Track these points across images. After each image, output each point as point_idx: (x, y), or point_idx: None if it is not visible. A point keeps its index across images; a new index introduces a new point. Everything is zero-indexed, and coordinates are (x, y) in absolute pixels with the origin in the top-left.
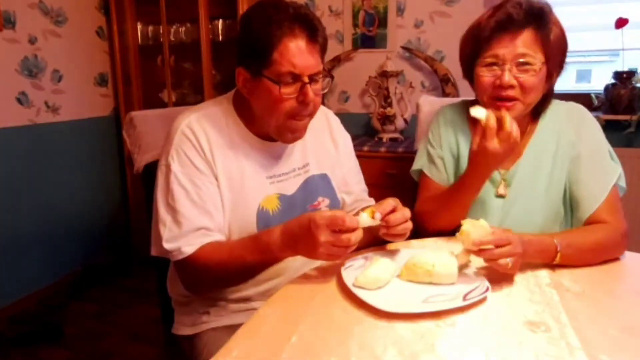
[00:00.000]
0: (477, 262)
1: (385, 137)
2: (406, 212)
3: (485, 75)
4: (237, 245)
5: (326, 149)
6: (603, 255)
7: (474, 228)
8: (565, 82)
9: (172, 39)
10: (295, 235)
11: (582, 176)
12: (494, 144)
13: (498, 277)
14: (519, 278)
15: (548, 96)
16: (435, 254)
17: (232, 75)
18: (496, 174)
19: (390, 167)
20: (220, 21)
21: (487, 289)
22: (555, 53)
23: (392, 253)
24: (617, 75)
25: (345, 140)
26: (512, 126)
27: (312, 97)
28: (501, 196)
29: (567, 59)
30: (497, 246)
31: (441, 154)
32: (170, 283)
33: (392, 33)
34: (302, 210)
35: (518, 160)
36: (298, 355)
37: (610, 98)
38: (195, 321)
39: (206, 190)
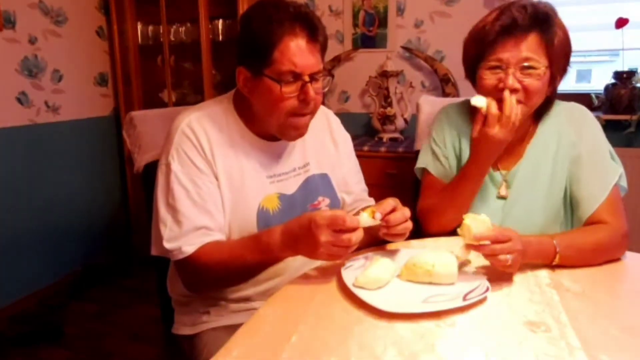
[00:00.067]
0: (477, 261)
1: (385, 137)
2: (406, 212)
3: (489, 78)
4: (237, 245)
5: (326, 148)
6: (603, 255)
7: (475, 222)
8: (565, 82)
9: (172, 39)
10: (296, 235)
11: (582, 176)
12: (495, 130)
13: (498, 277)
14: (519, 278)
15: (551, 99)
16: (435, 254)
17: (232, 75)
18: (497, 175)
19: (390, 167)
20: (220, 21)
21: (487, 289)
22: (559, 57)
23: (392, 253)
24: (617, 75)
25: (345, 140)
26: (511, 110)
27: (312, 96)
28: (503, 197)
29: None
30: (498, 242)
31: (445, 152)
32: (170, 283)
33: (392, 33)
34: (303, 209)
35: (519, 161)
36: (298, 355)
37: (610, 98)
38: (195, 321)
39: (206, 190)
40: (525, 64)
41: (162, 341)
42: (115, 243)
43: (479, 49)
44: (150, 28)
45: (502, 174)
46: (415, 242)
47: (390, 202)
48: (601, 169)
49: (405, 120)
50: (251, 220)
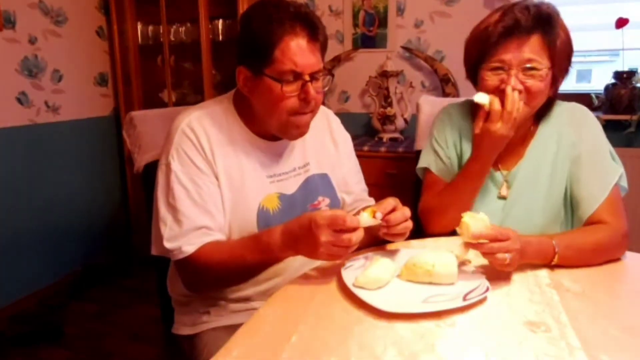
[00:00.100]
0: (477, 261)
1: (386, 137)
2: (406, 211)
3: (491, 79)
4: (237, 245)
5: (326, 148)
6: (603, 255)
7: (473, 220)
8: (565, 82)
9: (172, 39)
10: (296, 235)
11: (582, 176)
12: (498, 125)
13: (498, 277)
14: (519, 278)
15: (552, 99)
16: (435, 254)
17: (232, 75)
18: (498, 175)
19: (390, 167)
20: (220, 21)
21: (487, 289)
22: (561, 58)
23: (392, 253)
24: (617, 75)
25: (345, 140)
26: (513, 105)
27: (313, 95)
28: (503, 197)
29: None
30: (496, 240)
31: (447, 151)
32: (170, 283)
33: (392, 33)
34: (303, 209)
35: (520, 161)
36: (298, 355)
37: (610, 98)
38: (195, 321)
39: (207, 190)
40: (528, 65)
41: (162, 341)
42: (115, 243)
43: (481, 49)
44: (150, 28)
45: (502, 174)
46: (415, 242)
47: (391, 202)
48: (601, 169)
49: (405, 120)
50: (251, 220)
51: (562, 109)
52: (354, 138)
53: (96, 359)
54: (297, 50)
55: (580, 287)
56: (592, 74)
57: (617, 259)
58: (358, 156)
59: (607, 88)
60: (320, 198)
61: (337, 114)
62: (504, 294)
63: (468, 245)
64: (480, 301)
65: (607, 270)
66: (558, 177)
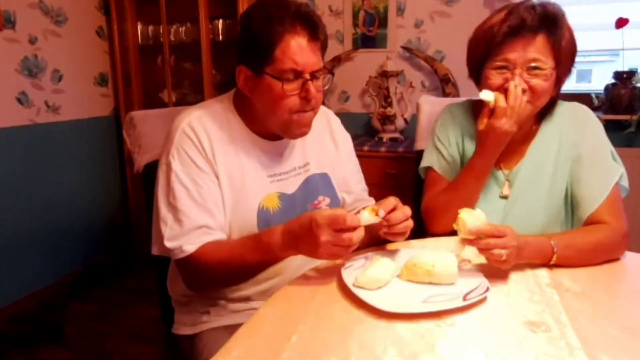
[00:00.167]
0: (477, 261)
1: (386, 137)
2: (407, 210)
3: (495, 78)
4: (238, 245)
5: (326, 148)
6: (602, 256)
7: (470, 216)
8: (565, 82)
9: (172, 39)
10: (296, 234)
11: (582, 176)
12: (502, 121)
13: (498, 277)
14: (519, 278)
15: (554, 99)
16: (435, 254)
17: (232, 75)
18: (500, 174)
19: (391, 167)
20: (220, 21)
21: (487, 289)
22: (565, 58)
23: (392, 253)
24: (617, 75)
25: (345, 140)
26: (515, 100)
27: (314, 93)
28: (505, 197)
29: None
30: (493, 236)
31: (449, 150)
32: (170, 283)
33: (392, 33)
34: (303, 209)
35: (521, 161)
36: (298, 355)
37: (610, 98)
38: (195, 321)
39: (207, 189)
40: (533, 64)
41: (162, 341)
42: (115, 243)
43: (486, 48)
44: (150, 28)
45: (504, 173)
46: (415, 242)
47: (392, 201)
48: (601, 169)
49: (405, 120)
50: (251, 220)
51: (564, 108)
52: (354, 138)
53: (96, 359)
54: (298, 49)
55: (580, 287)
56: (592, 74)
57: (617, 259)
58: (358, 156)
59: (607, 88)
60: (320, 197)
61: (337, 114)
62: (504, 294)
63: (465, 241)
64: (480, 301)
65: (607, 270)
66: (559, 177)
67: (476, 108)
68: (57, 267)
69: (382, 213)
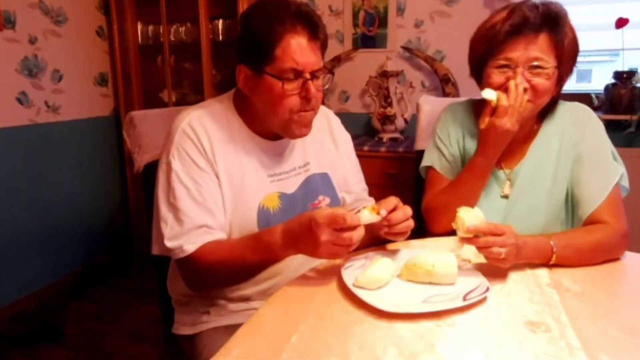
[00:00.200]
0: (477, 261)
1: (386, 137)
2: (407, 210)
3: (497, 77)
4: (238, 245)
5: (326, 148)
6: (602, 255)
7: (469, 215)
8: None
9: (172, 38)
10: (296, 234)
11: (583, 176)
12: (504, 119)
13: (498, 277)
14: (519, 278)
15: (555, 99)
16: (436, 254)
17: (232, 74)
18: (501, 174)
19: (391, 167)
20: (220, 21)
21: (487, 289)
22: (568, 58)
23: (392, 253)
24: (617, 75)
25: (345, 140)
26: (516, 98)
27: (314, 93)
28: (506, 196)
29: None
30: (491, 234)
31: (450, 149)
32: (170, 282)
33: (392, 33)
34: (303, 208)
35: (522, 160)
36: (298, 355)
37: (610, 98)
38: (195, 321)
39: (207, 188)
40: (534, 63)
41: (162, 341)
42: (115, 243)
43: (488, 47)
44: (150, 28)
45: (505, 172)
46: (415, 242)
47: (392, 201)
48: (602, 169)
49: (405, 120)
50: (252, 219)
51: (565, 108)
52: (354, 138)
53: (96, 359)
54: (298, 48)
55: (580, 287)
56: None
57: (617, 259)
58: (358, 156)
59: (607, 88)
60: (320, 197)
61: (337, 114)
62: (504, 294)
63: (463, 240)
64: (480, 301)
65: (607, 270)
66: (560, 176)
67: (477, 107)
68: (57, 267)
69: (383, 212)
